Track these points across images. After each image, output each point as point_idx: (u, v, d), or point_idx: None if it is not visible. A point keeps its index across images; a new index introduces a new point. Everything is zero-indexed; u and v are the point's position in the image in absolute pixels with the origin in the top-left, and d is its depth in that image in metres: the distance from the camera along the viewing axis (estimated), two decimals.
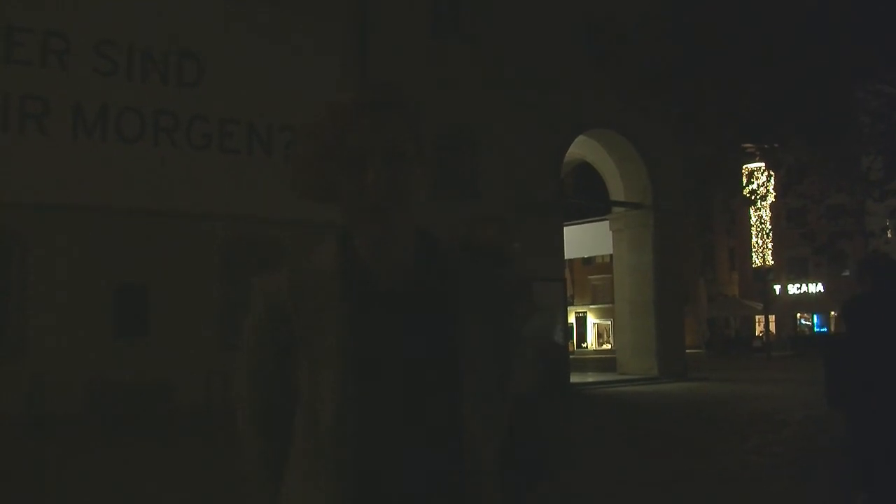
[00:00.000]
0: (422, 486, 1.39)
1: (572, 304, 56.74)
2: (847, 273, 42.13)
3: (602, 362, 30.48)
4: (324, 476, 1.40)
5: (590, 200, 28.52)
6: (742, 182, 23.09)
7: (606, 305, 53.66)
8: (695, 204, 32.16)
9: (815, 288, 52.50)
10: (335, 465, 1.39)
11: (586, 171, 27.86)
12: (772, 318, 55.98)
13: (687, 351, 25.78)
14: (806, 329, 53.90)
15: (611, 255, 27.44)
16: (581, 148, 23.87)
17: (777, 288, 55.60)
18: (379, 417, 1.39)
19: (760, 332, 56.29)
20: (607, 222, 25.31)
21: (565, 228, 22.32)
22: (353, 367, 1.39)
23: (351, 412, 1.38)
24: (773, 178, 27.51)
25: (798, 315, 56.11)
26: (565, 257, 22.80)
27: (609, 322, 55.55)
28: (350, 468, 1.37)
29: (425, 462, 1.40)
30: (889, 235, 19.50)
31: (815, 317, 54.43)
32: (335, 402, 1.39)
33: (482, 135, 19.47)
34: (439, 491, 1.40)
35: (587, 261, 54.47)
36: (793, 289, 55.31)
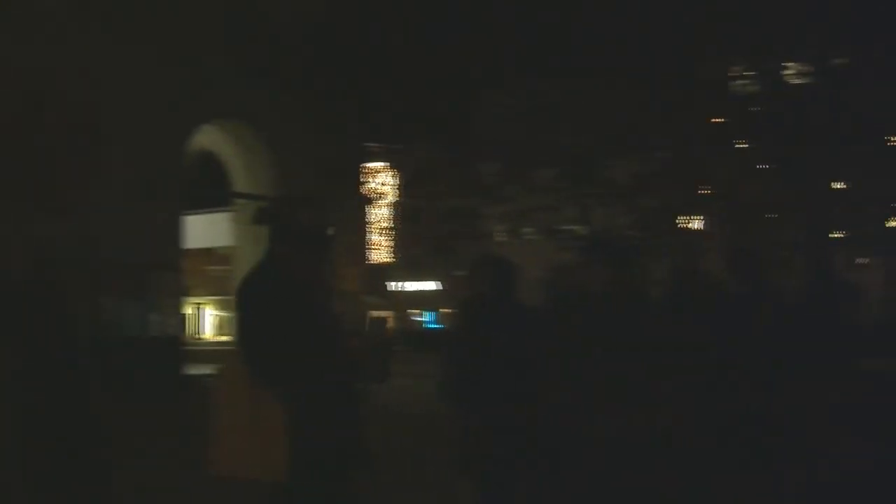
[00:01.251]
0: None
1: (189, 295, 55.34)
2: (461, 273, 46.83)
3: (221, 354, 30.44)
4: None
5: (213, 190, 28.31)
6: (365, 180, 24.68)
7: (226, 297, 53.24)
8: (319, 199, 33.93)
9: (431, 286, 57.70)
10: None
11: (211, 160, 27.51)
12: (389, 313, 60.48)
13: None
14: (420, 325, 57.83)
15: (231, 247, 27.61)
16: (207, 137, 23.55)
17: (394, 285, 60.08)
18: None
19: None
20: (228, 214, 25.51)
21: (186, 218, 21.84)
22: None
23: None
24: (394, 178, 30.07)
25: (413, 311, 61.10)
26: (185, 246, 22.32)
27: (228, 314, 55.15)
28: None
29: None
30: (503, 237, 22.56)
31: (429, 314, 58.68)
32: None
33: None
34: None
35: (207, 251, 53.45)
36: (409, 286, 60.10)
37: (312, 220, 3.52)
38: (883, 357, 14.22)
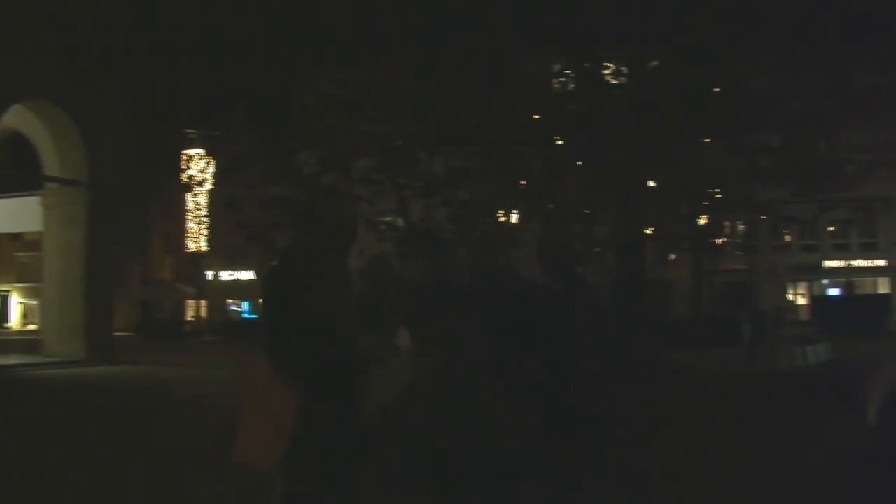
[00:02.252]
0: None
1: None
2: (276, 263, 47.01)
3: (27, 344, 29.35)
4: None
5: (20, 173, 27.27)
6: (183, 166, 24.54)
7: (35, 284, 51.32)
8: (134, 185, 33.28)
9: (247, 275, 57.07)
10: None
11: (20, 142, 26.53)
12: (204, 303, 59.95)
13: (118, 334, 26.22)
14: (236, 315, 57.82)
15: (41, 232, 26.75)
16: (16, 118, 22.76)
17: (210, 274, 59.35)
18: None
19: (192, 316, 59.87)
20: (38, 198, 24.95)
21: None
22: None
23: None
24: (212, 165, 29.87)
25: (229, 301, 60.50)
26: None
27: (36, 302, 53.11)
28: None
29: None
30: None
31: (245, 303, 58.58)
32: None
33: None
34: None
35: (15, 237, 51.22)
36: (225, 275, 59.45)
37: (342, 213, 3.79)
38: (688, 349, 15.75)
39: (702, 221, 23.56)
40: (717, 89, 16.14)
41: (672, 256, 33.79)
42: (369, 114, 15.15)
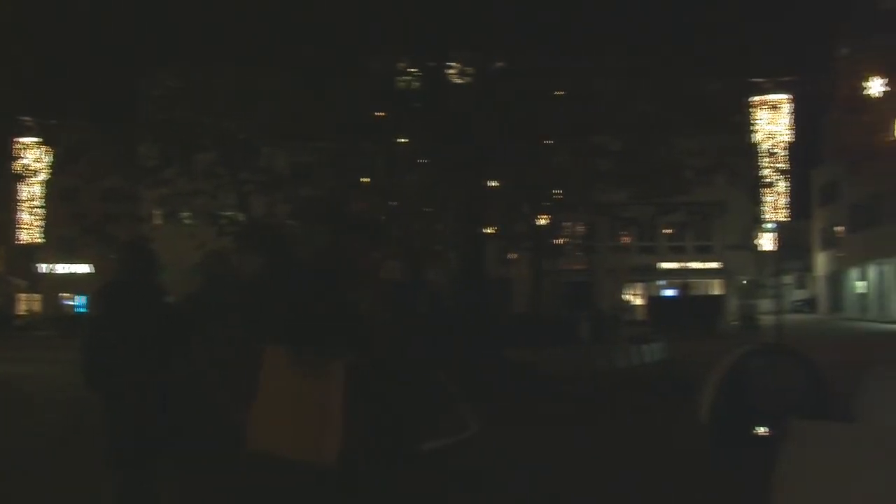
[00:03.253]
0: None
1: None
2: (114, 256, 45.94)
3: None
4: None
5: None
6: (16, 155, 23.54)
7: None
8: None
9: (83, 269, 55.12)
10: None
11: None
12: (37, 296, 57.79)
13: None
14: (71, 309, 56.09)
15: None
16: None
17: (44, 266, 57.13)
18: None
19: (25, 310, 57.60)
20: None
21: None
22: None
23: None
24: (48, 155, 28.77)
25: (64, 295, 58.39)
26: None
27: None
28: None
29: None
30: (158, 221, 22.60)
31: (80, 297, 56.85)
32: None
33: None
34: None
35: None
36: (60, 268, 57.37)
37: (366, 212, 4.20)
38: (528, 347, 16.57)
39: (542, 221, 24.65)
40: (560, 92, 16.96)
41: (513, 255, 35.12)
42: (212, 107, 15.14)
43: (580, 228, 44.66)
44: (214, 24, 13.71)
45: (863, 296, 54.11)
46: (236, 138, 16.04)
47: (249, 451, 3.94)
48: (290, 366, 3.89)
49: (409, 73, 16.25)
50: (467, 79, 16.34)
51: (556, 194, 22.30)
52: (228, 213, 17.41)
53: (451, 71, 16.08)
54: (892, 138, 18.44)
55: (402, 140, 16.67)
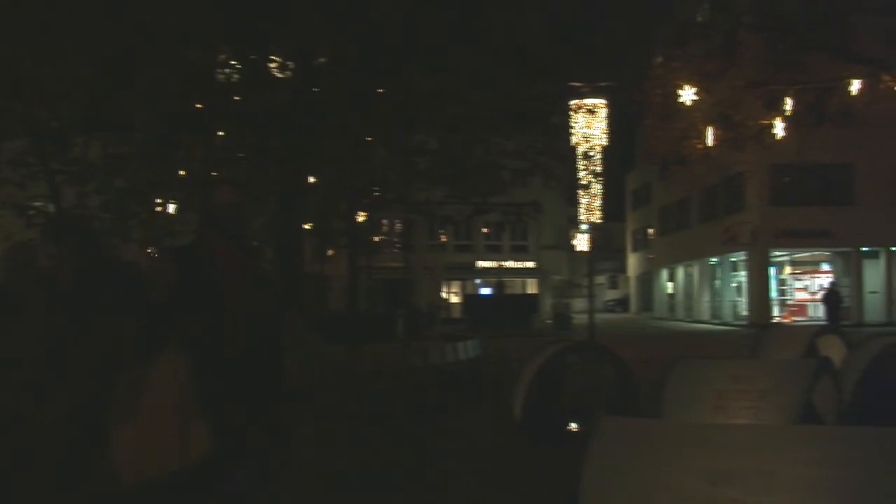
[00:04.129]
0: None
1: None
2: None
3: None
4: None
5: None
6: None
7: None
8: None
9: None
10: None
11: None
12: None
13: None
14: None
15: None
16: None
17: None
18: None
19: None
20: None
21: None
22: None
23: None
24: None
25: None
26: None
27: None
28: None
29: None
30: None
31: None
32: None
33: None
34: None
35: None
36: None
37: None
38: (344, 344, 17.10)
39: (360, 218, 25.38)
40: (380, 90, 17.66)
41: (330, 252, 35.63)
42: (23, 93, 14.90)
43: (398, 226, 45.72)
44: (23, 7, 13.54)
45: (671, 296, 57.95)
46: (48, 126, 15.86)
47: (126, 486, 3.83)
48: (138, 373, 3.93)
49: (230, 66, 16.53)
50: (288, 73, 16.75)
51: (374, 192, 23.04)
52: (37, 204, 17.17)
53: (272, 65, 16.45)
54: (702, 145, 20.15)
55: (221, 133, 16.92)
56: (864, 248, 40.92)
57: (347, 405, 12.36)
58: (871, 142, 19.36)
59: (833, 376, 8.00)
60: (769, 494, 3.47)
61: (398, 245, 44.53)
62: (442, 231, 55.80)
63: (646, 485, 3.75)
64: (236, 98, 16.10)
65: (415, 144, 20.71)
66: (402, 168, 20.92)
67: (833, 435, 4.20)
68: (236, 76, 16.32)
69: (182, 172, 17.31)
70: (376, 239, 38.76)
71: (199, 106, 15.76)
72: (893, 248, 41.05)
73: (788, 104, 18.97)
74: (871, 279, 41.41)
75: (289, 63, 16.62)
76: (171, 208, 19.01)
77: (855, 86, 18.16)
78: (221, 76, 16.46)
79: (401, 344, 22.23)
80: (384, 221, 44.15)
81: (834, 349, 11.61)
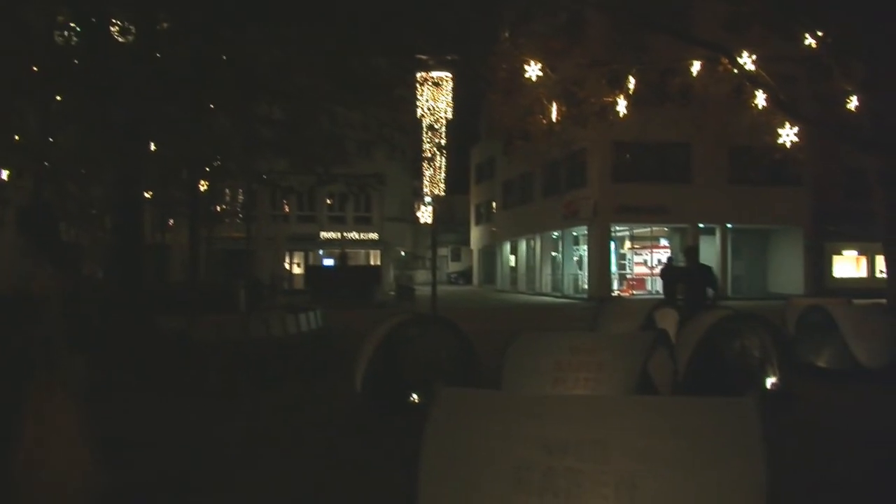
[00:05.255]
0: None
1: None
2: None
3: None
4: None
5: None
6: None
7: None
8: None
9: None
10: None
11: None
12: None
13: None
14: None
15: None
16: None
17: None
18: None
19: None
20: None
21: None
22: None
23: None
24: None
25: None
26: None
27: None
28: None
29: None
30: None
31: None
32: None
33: None
34: None
35: None
36: None
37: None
38: (184, 316, 17.12)
39: (202, 188, 25.28)
40: (224, 57, 17.70)
41: (171, 222, 35.17)
42: None
43: (241, 196, 45.40)
44: None
45: (514, 269, 59.70)
46: None
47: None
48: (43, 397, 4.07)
49: (69, 28, 16.26)
50: (130, 38, 16.61)
51: (216, 161, 23.05)
52: None
53: (113, 28, 16.27)
54: (546, 121, 21.02)
55: (58, 98, 16.64)
56: (700, 225, 43.15)
57: (186, 378, 12.42)
58: (708, 122, 20.70)
59: (669, 348, 8.52)
60: (604, 463, 3.65)
61: (240, 215, 44.19)
62: (285, 201, 55.68)
63: (484, 454, 3.85)
64: (75, 62, 15.86)
65: (258, 114, 20.83)
66: (246, 137, 21.03)
67: (665, 405, 4.43)
68: (75, 39, 16.05)
69: (17, 138, 16.95)
70: (218, 209, 38.48)
71: (35, 69, 15.47)
72: (729, 225, 43.55)
73: (631, 83, 20.00)
74: (707, 255, 43.93)
75: (130, 27, 16.46)
76: (4, 175, 18.54)
77: (695, 67, 19.25)
78: (60, 38, 16.17)
79: (242, 315, 22.28)
80: (226, 191, 43.78)
81: (670, 322, 12.62)
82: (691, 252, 15.37)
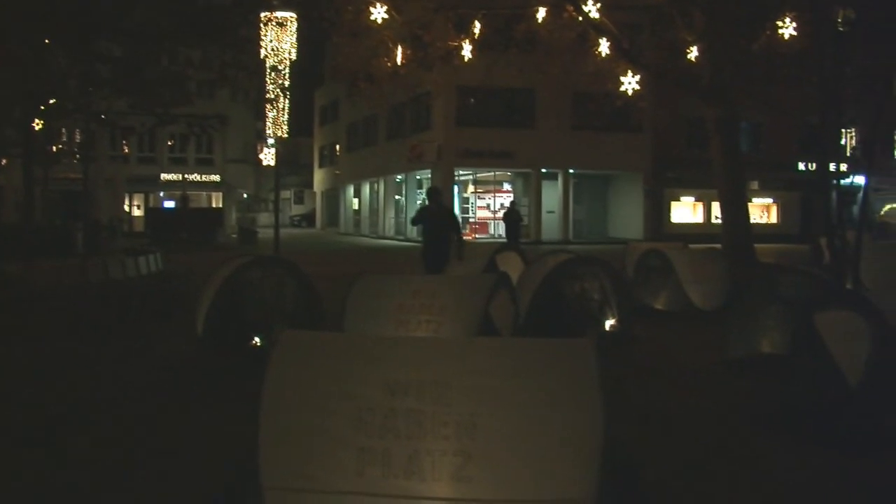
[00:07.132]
0: None
1: None
2: None
3: None
4: None
5: None
6: None
7: None
8: None
9: None
10: None
11: None
12: None
13: None
14: None
15: None
16: None
17: None
18: None
19: None
20: None
21: None
22: None
23: None
24: None
25: None
26: None
27: None
28: None
29: None
30: None
31: None
32: None
33: None
34: None
35: None
36: None
37: None
38: (19, 260, 16.51)
39: (37, 127, 24.35)
40: None
41: (3, 161, 33.66)
42: None
43: (78, 136, 43.72)
44: None
45: (357, 212, 59.82)
46: None
47: None
48: None
49: None
50: None
51: (52, 99, 22.28)
52: None
53: None
54: (391, 64, 21.05)
55: None
56: (543, 170, 44.24)
57: (22, 323, 12.06)
58: (552, 69, 21.17)
59: (510, 291, 8.73)
60: (445, 404, 3.66)
61: (78, 155, 42.58)
62: (124, 142, 53.92)
63: (326, 396, 3.80)
64: None
65: (97, 51, 20.25)
66: (83, 75, 20.42)
67: (503, 346, 4.48)
68: None
69: None
70: (54, 149, 36.99)
71: None
72: (571, 171, 44.82)
73: (477, 28, 20.22)
74: (549, 200, 45.12)
75: None
76: None
77: (541, 14, 19.58)
78: None
79: (80, 259, 21.73)
80: (63, 130, 42.05)
81: (512, 265, 12.98)
82: (434, 193, 14.80)
